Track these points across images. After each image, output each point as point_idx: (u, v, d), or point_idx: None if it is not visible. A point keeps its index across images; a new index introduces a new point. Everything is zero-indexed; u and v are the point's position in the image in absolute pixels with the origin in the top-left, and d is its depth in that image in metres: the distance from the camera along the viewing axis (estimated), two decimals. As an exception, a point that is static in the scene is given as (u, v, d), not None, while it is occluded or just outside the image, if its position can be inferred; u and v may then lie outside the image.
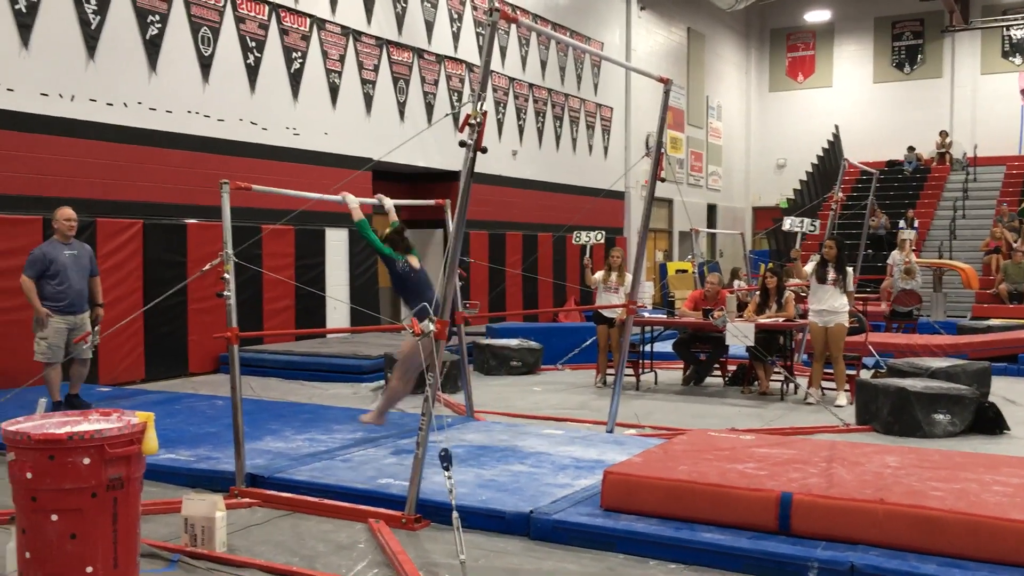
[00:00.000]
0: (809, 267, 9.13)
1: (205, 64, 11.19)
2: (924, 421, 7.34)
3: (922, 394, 7.39)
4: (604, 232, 11.35)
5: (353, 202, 6.75)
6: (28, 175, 9.28)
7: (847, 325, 8.93)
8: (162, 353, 10.53)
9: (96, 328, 7.81)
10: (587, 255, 10.70)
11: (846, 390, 8.86)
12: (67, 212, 7.76)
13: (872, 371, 9.72)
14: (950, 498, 4.30)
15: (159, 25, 10.61)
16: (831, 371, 9.09)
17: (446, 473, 4.33)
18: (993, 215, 20.79)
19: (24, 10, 9.25)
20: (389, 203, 7.30)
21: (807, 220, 10.59)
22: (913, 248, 18.11)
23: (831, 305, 8.82)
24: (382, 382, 9.87)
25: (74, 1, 9.72)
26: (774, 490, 4.44)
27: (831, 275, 8.82)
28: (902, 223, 20.16)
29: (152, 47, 10.54)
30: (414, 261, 6.90)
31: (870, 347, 10.29)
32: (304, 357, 10.89)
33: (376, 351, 10.67)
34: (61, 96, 9.63)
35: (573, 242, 11.42)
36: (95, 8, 9.91)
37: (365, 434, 6.84)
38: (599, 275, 10.22)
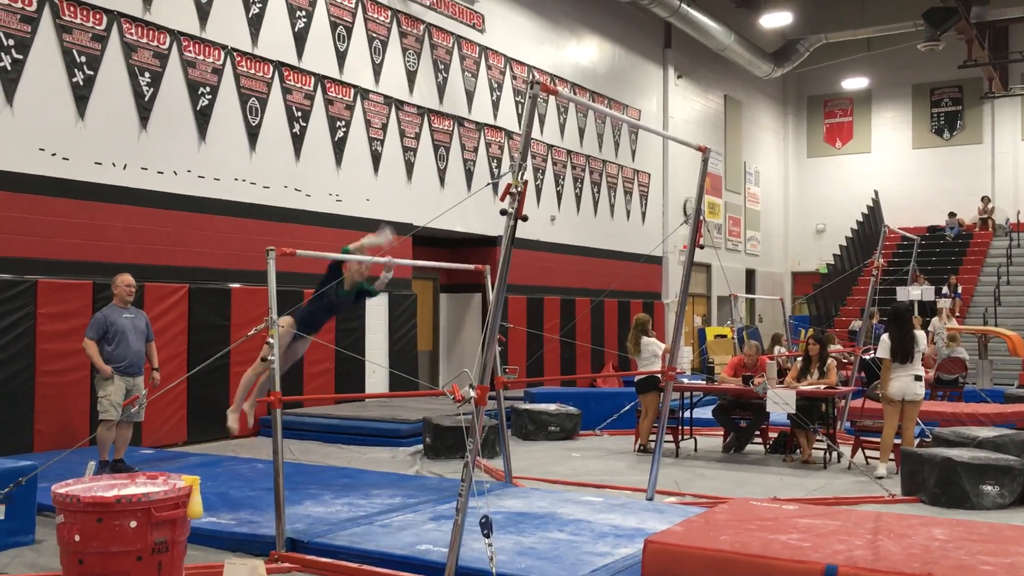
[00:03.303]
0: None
1: (252, 133, 11.51)
2: (972, 492, 7.18)
3: (969, 464, 7.24)
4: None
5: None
6: (80, 241, 9.56)
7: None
8: (204, 416, 10.64)
9: (144, 391, 7.97)
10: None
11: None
12: (127, 279, 8.02)
13: (917, 440, 9.54)
14: (1000, 573, 4.20)
15: (209, 96, 10.96)
16: (876, 440, 8.95)
17: (487, 540, 4.32)
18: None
19: (81, 83, 9.63)
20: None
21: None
22: (956, 315, 17.87)
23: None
24: (420, 447, 9.89)
25: (129, 74, 10.09)
26: (819, 562, 4.37)
27: None
28: (945, 289, 19.95)
29: (202, 117, 10.88)
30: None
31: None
32: (343, 421, 10.94)
33: (414, 415, 10.70)
34: (114, 165, 9.95)
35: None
36: (149, 81, 10.29)
37: (403, 499, 6.84)
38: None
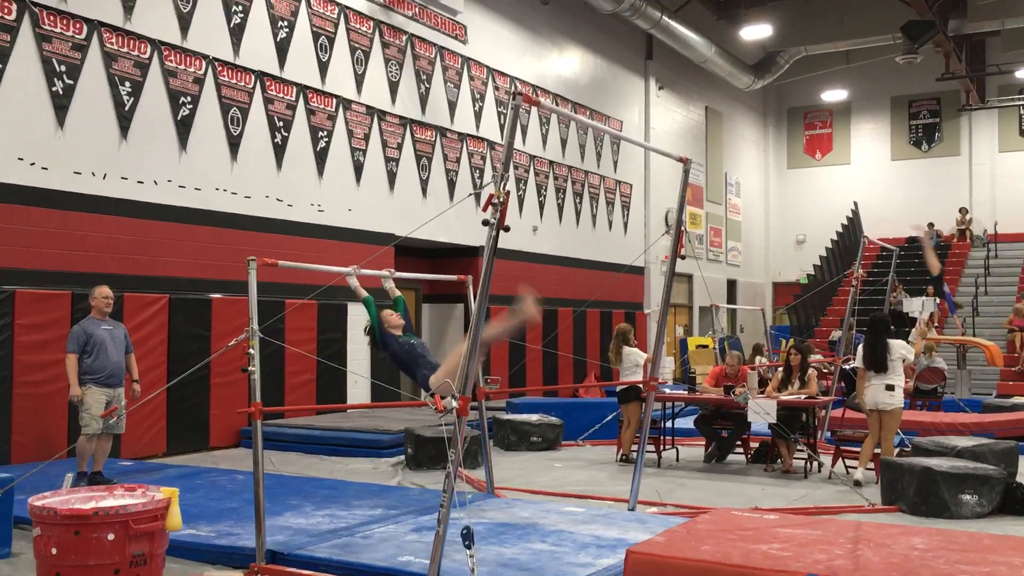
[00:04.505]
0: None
1: (234, 143, 11.47)
2: (951, 502, 7.23)
3: (949, 474, 7.29)
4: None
5: (354, 282, 7.13)
6: (59, 251, 9.49)
7: None
8: (184, 427, 10.58)
9: (123, 403, 7.91)
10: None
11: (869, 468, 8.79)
12: (105, 291, 7.98)
13: (897, 449, 9.60)
14: (979, 582, 4.22)
15: (190, 106, 10.93)
16: (857, 449, 9.00)
17: (468, 552, 4.30)
18: (1016, 292, 20.70)
19: (61, 92, 9.57)
20: (390, 284, 7.45)
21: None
22: (936, 325, 17.99)
23: None
24: (402, 457, 9.85)
25: (109, 83, 10.04)
26: (800, 572, 4.38)
27: None
28: (930, 293, 20.09)
29: (183, 127, 10.84)
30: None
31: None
32: (325, 431, 10.89)
33: (396, 426, 10.67)
34: (94, 174, 9.89)
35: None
36: (129, 90, 10.24)
37: (385, 511, 6.82)
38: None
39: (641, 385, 9.75)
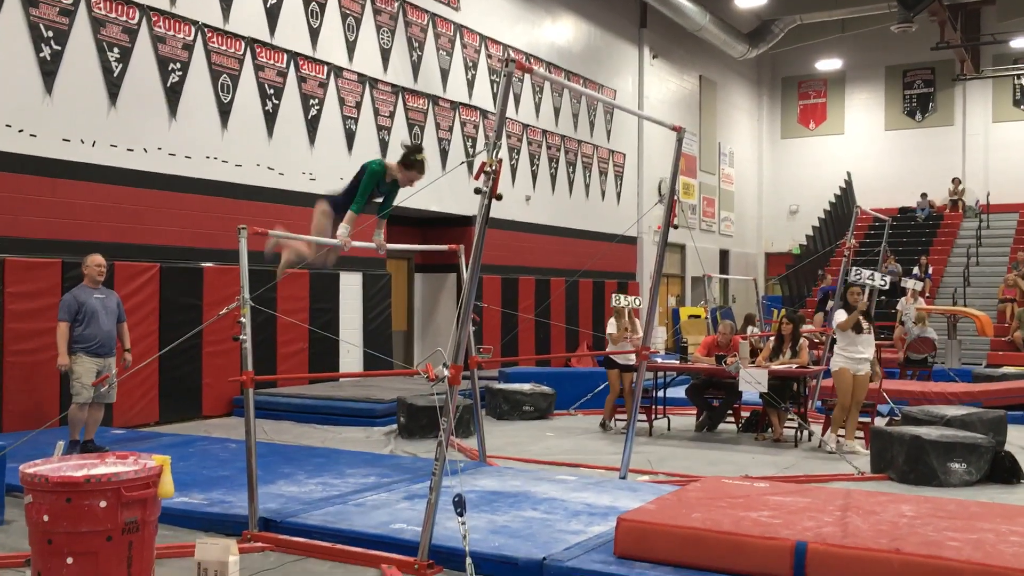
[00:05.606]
0: (842, 316, 8.89)
1: (224, 111, 11.37)
2: (940, 470, 7.28)
3: (937, 442, 7.35)
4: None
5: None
6: (49, 219, 9.42)
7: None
8: (176, 396, 10.58)
9: (114, 371, 7.89)
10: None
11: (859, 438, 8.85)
12: (98, 259, 7.94)
13: (887, 419, 9.67)
14: (967, 548, 4.26)
15: (180, 73, 10.81)
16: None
17: (460, 519, 4.32)
18: (1007, 262, 20.76)
19: (48, 58, 9.46)
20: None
21: (878, 275, 9.92)
22: (926, 295, 18.06)
23: (871, 353, 8.82)
24: (394, 426, 9.88)
25: (97, 49, 9.93)
26: (789, 539, 4.42)
27: (866, 324, 8.80)
28: (916, 270, 20.15)
29: (173, 94, 10.73)
30: None
31: (884, 394, 10.24)
32: (317, 400, 10.91)
33: (389, 395, 10.68)
34: (83, 142, 9.80)
35: (612, 305, 10.81)
36: (118, 56, 10.13)
37: (377, 479, 6.84)
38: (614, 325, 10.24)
39: (617, 357, 9.94)
